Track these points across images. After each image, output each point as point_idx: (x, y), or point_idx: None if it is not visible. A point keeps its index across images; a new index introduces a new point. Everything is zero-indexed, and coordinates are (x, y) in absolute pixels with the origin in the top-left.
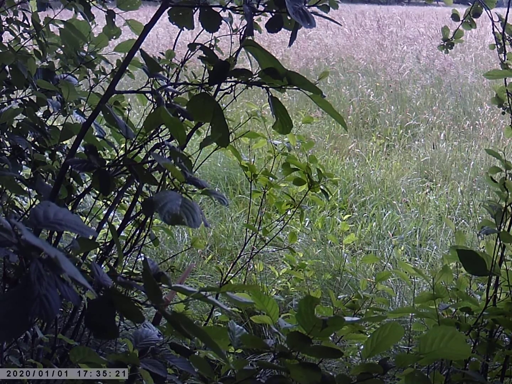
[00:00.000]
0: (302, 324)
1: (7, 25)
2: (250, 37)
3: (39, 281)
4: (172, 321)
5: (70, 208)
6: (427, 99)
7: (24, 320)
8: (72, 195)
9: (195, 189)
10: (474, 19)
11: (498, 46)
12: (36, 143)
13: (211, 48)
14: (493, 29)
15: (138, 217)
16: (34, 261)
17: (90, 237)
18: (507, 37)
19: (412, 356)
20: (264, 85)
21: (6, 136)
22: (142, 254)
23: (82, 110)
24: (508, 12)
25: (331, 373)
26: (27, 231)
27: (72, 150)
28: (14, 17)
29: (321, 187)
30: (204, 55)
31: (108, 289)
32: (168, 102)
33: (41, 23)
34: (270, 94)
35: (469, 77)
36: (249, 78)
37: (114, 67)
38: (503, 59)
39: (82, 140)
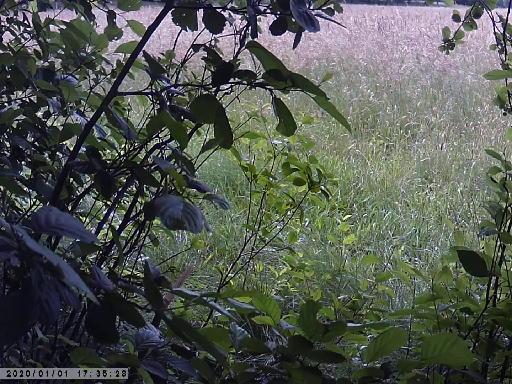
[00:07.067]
0: (304, 328)
1: (7, 25)
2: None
3: (39, 286)
4: (172, 326)
5: (70, 208)
6: (427, 100)
7: (24, 323)
8: (72, 196)
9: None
10: (475, 20)
11: (499, 46)
12: (36, 143)
13: (212, 49)
14: (494, 29)
15: (138, 218)
16: (35, 266)
17: None
18: (508, 38)
19: (414, 362)
20: (267, 87)
21: (6, 136)
22: (142, 255)
23: (82, 110)
24: (509, 12)
25: (331, 374)
26: (29, 237)
27: (74, 152)
28: (14, 17)
29: (321, 187)
30: (207, 56)
31: (108, 293)
32: (171, 104)
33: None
34: (273, 95)
35: (469, 77)
36: (253, 80)
37: (114, 68)
38: (504, 59)
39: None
